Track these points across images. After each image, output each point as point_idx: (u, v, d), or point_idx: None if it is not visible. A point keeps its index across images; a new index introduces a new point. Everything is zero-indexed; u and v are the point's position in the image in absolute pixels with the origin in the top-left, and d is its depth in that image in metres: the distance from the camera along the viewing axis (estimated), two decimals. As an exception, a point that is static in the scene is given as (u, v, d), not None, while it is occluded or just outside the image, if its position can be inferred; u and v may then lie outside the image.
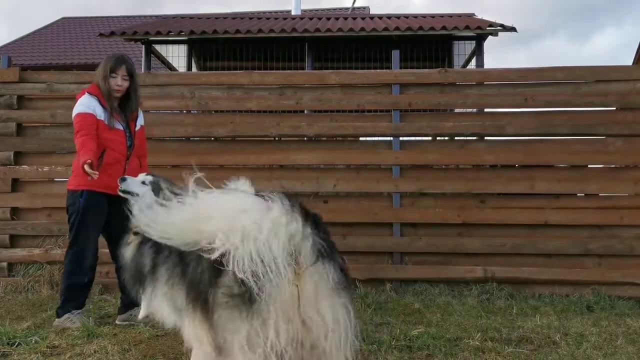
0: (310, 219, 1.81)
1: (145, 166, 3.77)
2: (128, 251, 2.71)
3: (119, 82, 3.52)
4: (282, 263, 1.70)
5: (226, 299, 1.82)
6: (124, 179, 2.98)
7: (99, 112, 3.47)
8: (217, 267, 1.82)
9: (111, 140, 3.49)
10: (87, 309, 3.74)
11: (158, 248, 2.44)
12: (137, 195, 2.86)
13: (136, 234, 2.67)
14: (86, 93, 3.52)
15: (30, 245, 4.81)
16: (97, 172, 3.17)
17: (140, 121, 3.76)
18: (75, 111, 3.48)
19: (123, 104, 3.61)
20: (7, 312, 3.91)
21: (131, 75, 3.56)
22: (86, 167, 3.15)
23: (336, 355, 1.79)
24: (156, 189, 2.80)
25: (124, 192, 2.94)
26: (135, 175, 3.05)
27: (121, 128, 3.57)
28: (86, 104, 3.46)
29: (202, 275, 2.03)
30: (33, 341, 3.03)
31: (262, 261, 1.68)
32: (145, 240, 2.58)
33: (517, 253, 4.57)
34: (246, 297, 1.75)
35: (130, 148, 3.61)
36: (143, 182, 2.90)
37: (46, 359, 2.80)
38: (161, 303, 2.41)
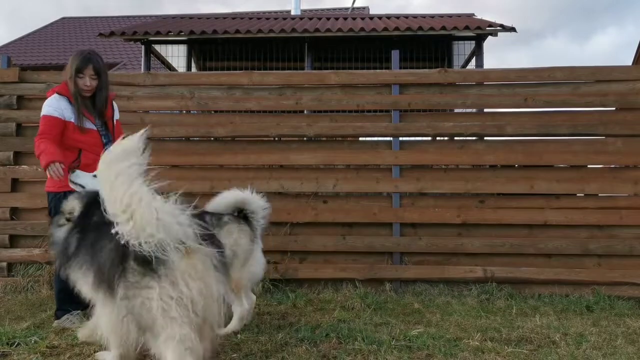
0: (195, 217, 2.29)
1: None
2: (60, 232, 2.75)
3: (87, 82, 3.45)
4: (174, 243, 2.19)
5: (137, 279, 2.18)
6: (73, 171, 2.99)
7: (68, 115, 3.42)
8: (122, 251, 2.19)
9: (84, 142, 3.45)
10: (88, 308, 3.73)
11: (81, 236, 2.60)
12: (82, 187, 2.89)
13: (68, 220, 2.73)
14: (55, 93, 3.46)
15: (30, 245, 4.81)
16: (62, 175, 3.14)
17: (116, 115, 3.72)
18: (42, 112, 3.42)
19: (90, 102, 3.53)
20: (7, 312, 3.91)
21: (98, 73, 3.48)
22: (51, 168, 3.10)
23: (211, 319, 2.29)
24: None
25: (72, 182, 3.01)
26: None
27: (94, 128, 3.51)
28: (54, 106, 3.41)
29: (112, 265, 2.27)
30: (33, 341, 3.03)
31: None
32: (74, 227, 2.69)
33: (517, 253, 4.57)
34: (152, 266, 2.16)
35: (108, 146, 3.57)
36: (95, 176, 2.92)
37: (46, 359, 2.80)
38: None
